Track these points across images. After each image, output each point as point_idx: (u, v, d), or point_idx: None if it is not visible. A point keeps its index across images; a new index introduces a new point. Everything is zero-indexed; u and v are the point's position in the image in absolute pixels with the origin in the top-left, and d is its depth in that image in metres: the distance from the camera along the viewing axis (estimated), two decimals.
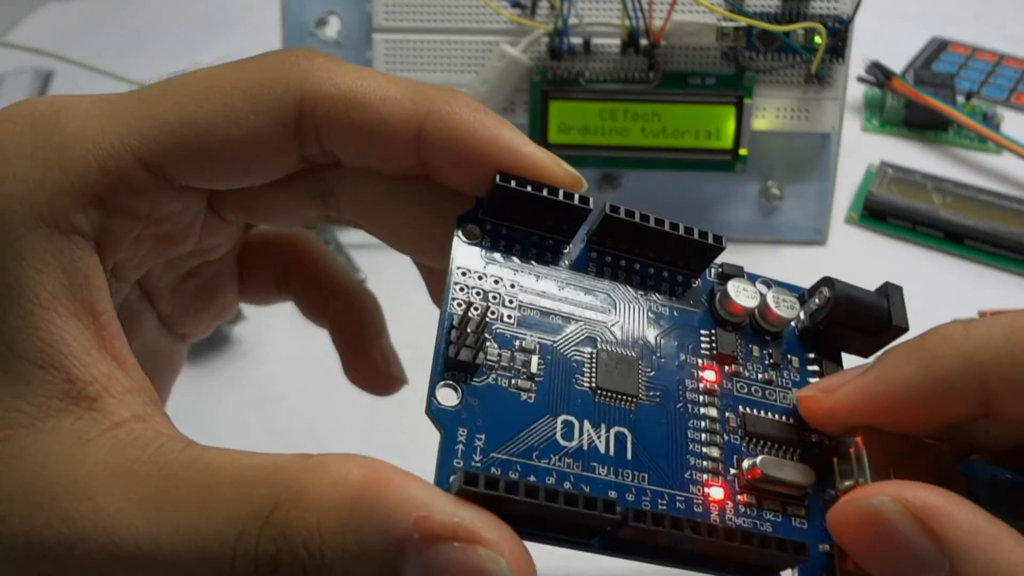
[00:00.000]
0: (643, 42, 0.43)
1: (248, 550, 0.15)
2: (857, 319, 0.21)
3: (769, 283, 0.22)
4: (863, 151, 0.54)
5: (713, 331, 0.21)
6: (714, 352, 0.21)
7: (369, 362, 0.27)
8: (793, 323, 0.22)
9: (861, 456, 0.18)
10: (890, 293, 0.21)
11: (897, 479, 0.18)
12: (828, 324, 0.21)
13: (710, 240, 0.21)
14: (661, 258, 0.21)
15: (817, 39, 0.42)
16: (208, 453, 0.17)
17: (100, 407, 0.17)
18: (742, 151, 0.45)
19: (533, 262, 0.20)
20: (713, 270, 0.22)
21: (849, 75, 0.45)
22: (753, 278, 0.22)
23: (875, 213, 0.50)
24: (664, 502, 0.18)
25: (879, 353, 0.20)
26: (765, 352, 0.21)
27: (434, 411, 0.18)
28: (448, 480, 0.17)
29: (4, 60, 0.62)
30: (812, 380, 0.21)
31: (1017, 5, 0.70)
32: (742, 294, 0.21)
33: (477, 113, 0.19)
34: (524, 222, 0.20)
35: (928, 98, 0.55)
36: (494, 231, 0.20)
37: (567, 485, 0.18)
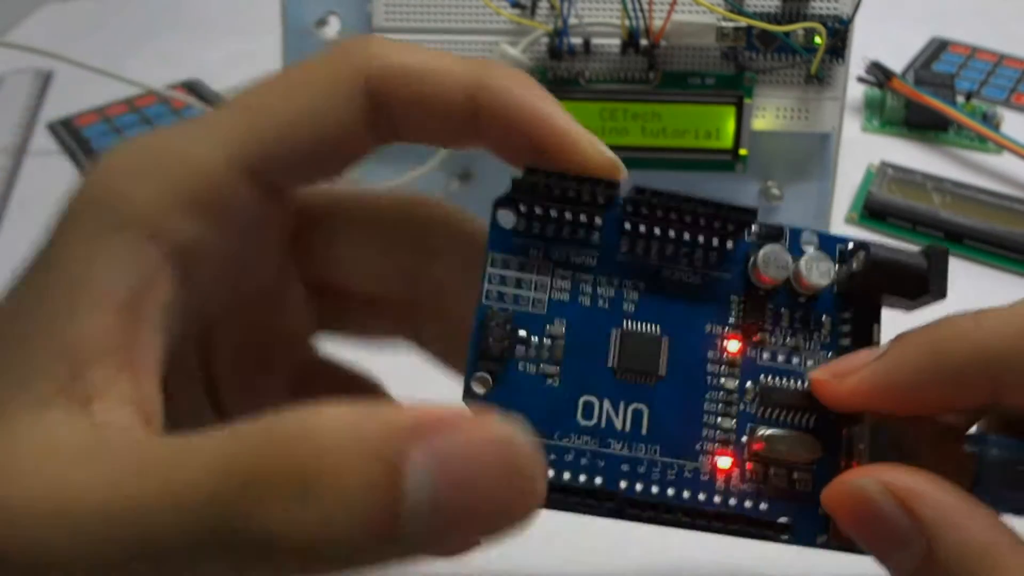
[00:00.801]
0: (643, 42, 0.43)
1: (241, 482, 0.15)
2: (894, 285, 0.21)
3: (815, 237, 0.22)
4: (863, 151, 0.54)
5: (743, 298, 0.21)
6: (740, 321, 0.21)
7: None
8: (830, 287, 0.22)
9: (864, 437, 0.19)
10: (931, 256, 0.21)
11: (895, 460, 0.19)
12: (865, 289, 0.21)
13: (732, 224, 0.21)
14: (695, 225, 0.21)
15: (817, 39, 0.42)
16: (192, 435, 0.16)
17: (91, 410, 0.17)
18: (742, 151, 0.45)
19: (566, 241, 0.21)
20: (751, 231, 0.22)
21: (849, 75, 0.45)
22: (797, 233, 0.22)
23: (875, 213, 0.50)
24: (673, 472, 0.20)
25: (892, 338, 0.20)
26: (796, 316, 0.21)
27: (467, 399, 0.20)
28: None
29: (4, 60, 0.62)
30: (843, 342, 0.21)
31: (1017, 5, 0.70)
32: (771, 264, 0.21)
33: (527, 87, 0.20)
34: (556, 201, 0.21)
35: (928, 98, 0.55)
36: (528, 212, 0.21)
37: (583, 461, 0.20)
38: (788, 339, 0.21)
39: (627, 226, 0.21)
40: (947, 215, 0.48)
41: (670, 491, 0.20)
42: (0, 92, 0.60)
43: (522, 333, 0.20)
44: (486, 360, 0.20)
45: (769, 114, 0.45)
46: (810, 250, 0.21)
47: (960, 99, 0.57)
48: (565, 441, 0.20)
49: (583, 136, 0.20)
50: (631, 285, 0.21)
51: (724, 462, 0.20)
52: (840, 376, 0.20)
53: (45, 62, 0.60)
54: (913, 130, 0.57)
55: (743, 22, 0.42)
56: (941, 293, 0.21)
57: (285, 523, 0.14)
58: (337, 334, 0.26)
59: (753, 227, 0.21)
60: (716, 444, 0.20)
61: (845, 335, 0.21)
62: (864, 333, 0.21)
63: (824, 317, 0.21)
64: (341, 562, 0.15)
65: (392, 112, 0.20)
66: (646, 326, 0.21)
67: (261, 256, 0.22)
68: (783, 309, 0.21)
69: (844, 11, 0.43)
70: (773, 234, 0.21)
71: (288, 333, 0.25)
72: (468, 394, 0.20)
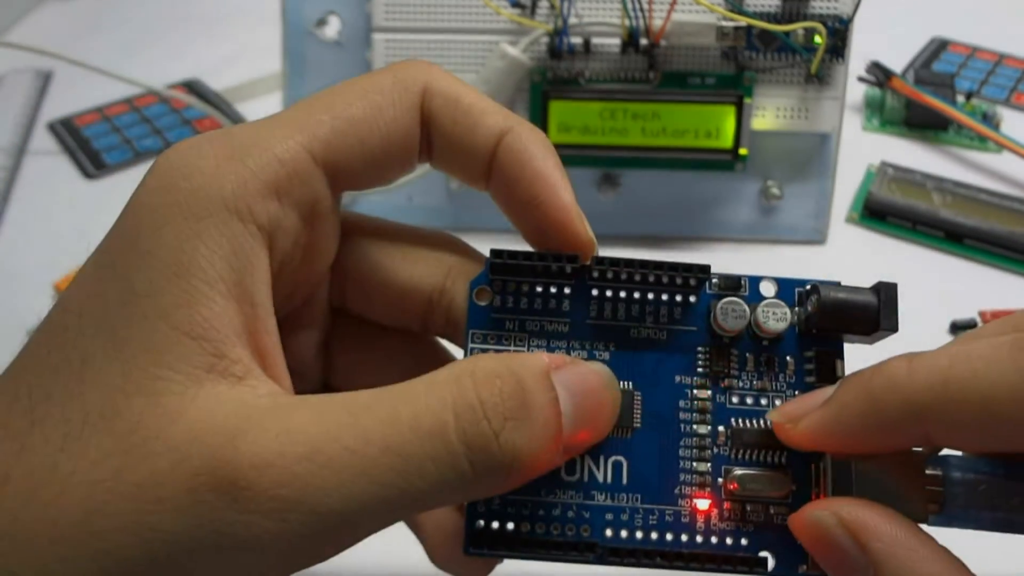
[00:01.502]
0: (643, 42, 0.43)
1: (471, 403, 0.18)
2: (847, 325, 0.22)
3: (773, 285, 0.23)
4: (863, 151, 0.54)
5: (708, 349, 0.22)
6: (708, 370, 0.22)
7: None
8: (792, 325, 0.23)
9: (826, 471, 0.21)
10: (881, 292, 0.22)
11: (858, 490, 0.20)
12: (821, 330, 0.22)
13: (691, 282, 0.22)
14: (657, 283, 0.22)
15: (817, 39, 0.42)
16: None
17: (248, 384, 0.18)
18: (742, 151, 0.45)
19: (539, 312, 0.23)
20: (711, 284, 0.23)
21: (849, 75, 0.45)
22: (756, 281, 0.23)
23: (875, 213, 0.50)
24: (655, 518, 0.21)
25: (841, 380, 0.21)
26: (761, 359, 0.22)
27: None
28: (476, 523, 0.21)
29: (4, 60, 0.62)
30: (808, 379, 0.22)
31: (1017, 5, 0.70)
32: (730, 315, 0.22)
33: (544, 145, 0.22)
34: (528, 275, 0.22)
35: (928, 98, 0.55)
36: (503, 288, 0.22)
37: (571, 514, 0.21)
38: (755, 381, 0.22)
39: (594, 292, 0.22)
40: (947, 215, 0.48)
41: (653, 535, 0.21)
42: (0, 92, 0.60)
43: None
44: None
45: (769, 114, 0.45)
46: (767, 298, 0.22)
47: (960, 99, 0.57)
48: (551, 497, 0.21)
49: (577, 212, 0.22)
50: (602, 346, 0.22)
51: (703, 503, 0.21)
52: (793, 420, 0.21)
53: (45, 62, 0.60)
54: (913, 130, 0.57)
55: (743, 22, 0.42)
56: (893, 328, 0.21)
57: (520, 438, 0.18)
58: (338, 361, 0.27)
59: (713, 280, 0.23)
60: (694, 487, 0.21)
61: (810, 372, 0.22)
62: (828, 369, 0.22)
63: (788, 357, 0.22)
64: (541, 469, 0.19)
65: (433, 134, 0.22)
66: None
67: (321, 254, 0.23)
68: (748, 353, 0.22)
69: (844, 11, 0.43)
70: (732, 284, 0.23)
71: (307, 354, 0.25)
72: None
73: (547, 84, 0.44)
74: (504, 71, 0.43)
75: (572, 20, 0.43)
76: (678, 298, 0.22)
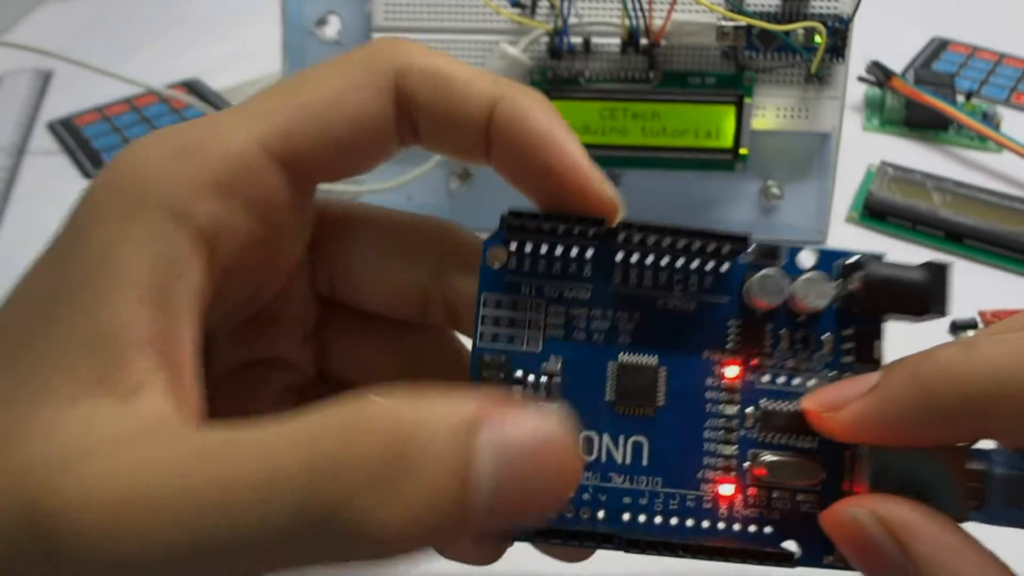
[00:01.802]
0: (643, 42, 0.43)
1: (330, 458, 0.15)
2: (893, 304, 0.20)
3: (814, 256, 0.21)
4: (863, 151, 0.54)
5: (739, 322, 0.21)
6: (738, 346, 0.21)
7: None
8: (832, 303, 0.21)
9: (861, 461, 0.20)
10: (932, 272, 0.20)
11: (897, 483, 0.19)
12: (864, 308, 0.20)
13: (725, 250, 0.20)
14: (687, 250, 0.21)
15: (817, 39, 0.42)
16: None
17: (135, 402, 0.17)
18: (742, 150, 0.45)
19: (558, 277, 0.21)
20: (746, 252, 0.21)
21: (849, 75, 0.45)
22: (794, 252, 0.21)
23: (875, 212, 0.50)
24: (675, 503, 0.20)
25: (885, 366, 0.19)
26: (796, 336, 0.21)
27: None
28: None
29: (4, 60, 0.62)
30: (846, 359, 0.21)
31: (1017, 5, 0.70)
32: (765, 290, 0.20)
33: (544, 109, 0.20)
34: (547, 236, 0.21)
35: (928, 97, 0.55)
36: (519, 250, 0.21)
37: (586, 496, 0.20)
38: (788, 360, 0.21)
39: (618, 257, 0.21)
40: (947, 215, 0.48)
41: (673, 520, 0.20)
42: (0, 92, 0.60)
43: (518, 373, 0.20)
44: None
45: (769, 114, 0.45)
46: (807, 272, 0.21)
47: (960, 98, 0.57)
48: None
49: (594, 172, 0.20)
50: (626, 317, 0.21)
51: (726, 489, 0.20)
52: (831, 408, 0.19)
53: (45, 62, 0.60)
54: (913, 129, 0.57)
55: (743, 21, 0.42)
56: (942, 312, 0.20)
57: (380, 508, 0.14)
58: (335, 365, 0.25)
59: (748, 249, 0.21)
60: (718, 471, 0.20)
61: (847, 352, 0.21)
62: (866, 350, 0.21)
63: (825, 335, 0.21)
64: (415, 545, 0.15)
65: (417, 113, 0.20)
66: (642, 357, 0.21)
67: (282, 252, 0.22)
68: (782, 330, 0.21)
69: (844, 10, 0.43)
70: (768, 253, 0.21)
71: (289, 346, 0.24)
72: None
73: (547, 84, 0.44)
74: (504, 71, 0.43)
75: (572, 20, 0.43)
76: (709, 267, 0.21)
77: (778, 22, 0.42)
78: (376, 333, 0.25)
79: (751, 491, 0.20)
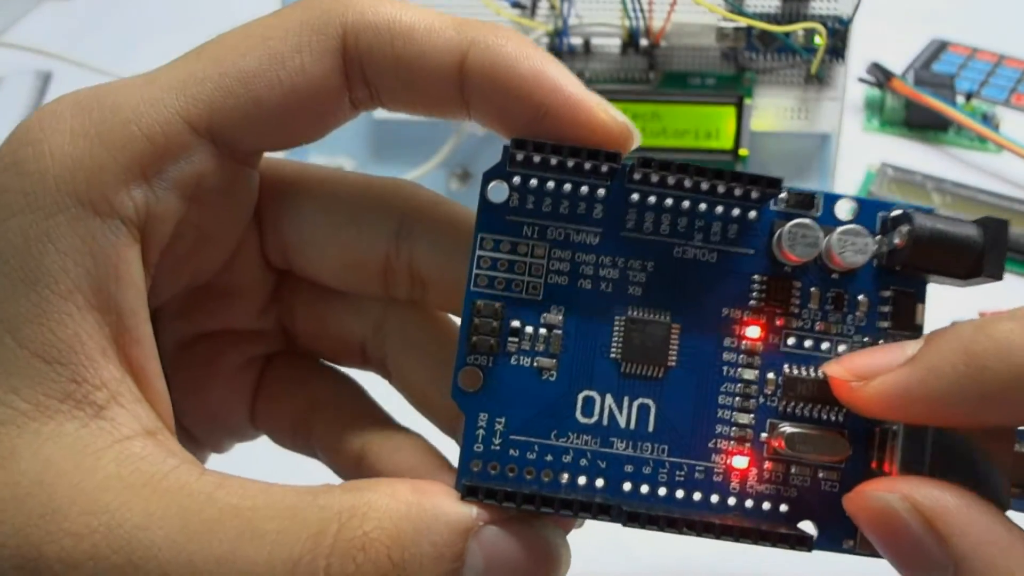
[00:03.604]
0: (643, 42, 0.43)
1: (313, 573, 0.15)
2: (941, 263, 0.18)
3: (853, 205, 0.19)
4: (863, 151, 0.54)
5: (765, 277, 0.19)
6: (762, 303, 0.19)
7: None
8: (871, 260, 0.19)
9: (894, 438, 0.17)
10: (988, 229, 0.18)
11: (934, 464, 0.17)
12: (907, 266, 0.18)
13: (754, 195, 0.18)
14: (712, 193, 0.18)
15: (817, 39, 0.42)
16: (232, 479, 0.16)
17: (108, 416, 0.16)
18: (742, 151, 0.45)
19: (564, 217, 0.19)
20: (778, 201, 0.19)
21: (849, 75, 0.45)
22: (832, 199, 0.19)
23: None
24: (682, 473, 0.18)
25: (924, 338, 0.17)
26: (827, 295, 0.19)
27: (456, 396, 0.18)
28: (469, 467, 0.18)
29: (4, 60, 0.62)
30: (882, 324, 0.19)
31: (1017, 5, 0.70)
32: (798, 243, 0.18)
33: (522, 46, 0.18)
34: (554, 171, 0.18)
35: (928, 98, 0.55)
36: (522, 185, 0.19)
37: (583, 462, 0.18)
38: (817, 322, 0.19)
39: (634, 197, 0.19)
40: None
41: (679, 493, 0.18)
42: (0, 92, 0.60)
43: (515, 323, 0.18)
44: (475, 354, 0.18)
45: (769, 114, 0.45)
46: (845, 223, 0.19)
47: (960, 99, 0.57)
48: (563, 441, 0.18)
49: (592, 98, 0.18)
50: (638, 266, 0.19)
51: (740, 461, 0.18)
52: (861, 377, 0.17)
53: (45, 62, 0.60)
54: (913, 130, 0.57)
55: (743, 22, 0.42)
56: (997, 274, 0.18)
57: None
58: (297, 341, 0.24)
59: (781, 194, 0.19)
60: (731, 442, 0.18)
61: (884, 316, 0.19)
62: (907, 315, 0.19)
63: (861, 296, 0.19)
64: None
65: (372, 73, 0.18)
66: (655, 312, 0.19)
67: (222, 228, 0.20)
68: (813, 288, 0.19)
69: (844, 11, 0.43)
70: (803, 202, 0.19)
71: (242, 321, 0.23)
72: (456, 392, 0.18)
73: None
74: None
75: (572, 20, 0.43)
76: (735, 212, 0.19)
77: (778, 23, 0.42)
78: (341, 300, 0.23)
79: (767, 465, 0.18)
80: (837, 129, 0.46)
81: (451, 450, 0.20)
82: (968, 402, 0.16)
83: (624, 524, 0.17)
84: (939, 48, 0.65)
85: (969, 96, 0.58)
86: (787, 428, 0.18)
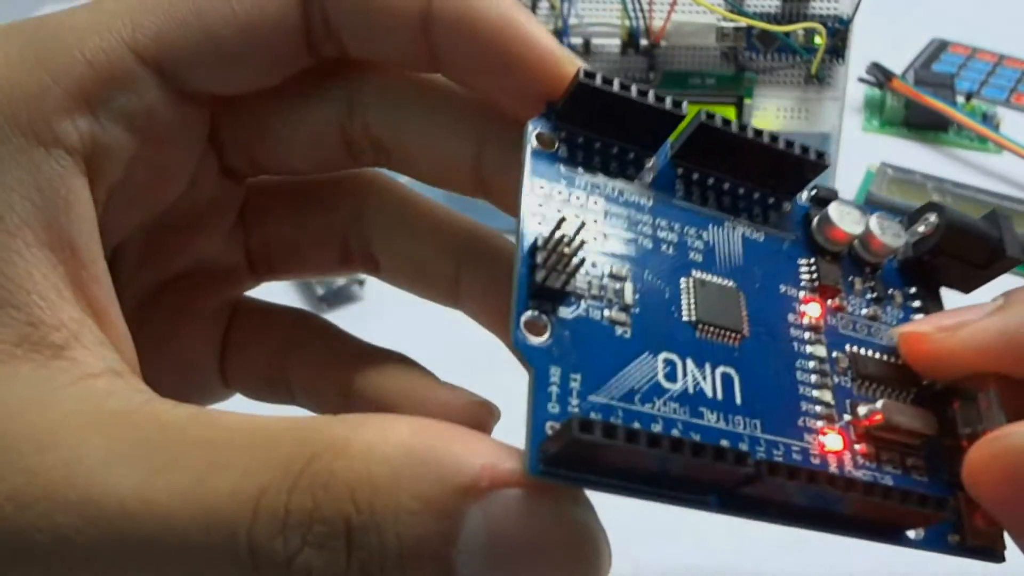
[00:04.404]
0: (643, 42, 0.43)
1: (275, 508, 0.13)
2: (967, 249, 0.19)
3: (865, 209, 0.19)
4: (863, 151, 0.54)
5: (812, 260, 0.19)
6: (815, 284, 0.18)
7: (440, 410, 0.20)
8: (894, 254, 0.19)
9: (993, 402, 0.16)
10: (1000, 221, 0.19)
11: None
12: (935, 255, 0.19)
13: (812, 156, 0.18)
14: (751, 176, 0.19)
15: (817, 39, 0.42)
16: (210, 411, 0.14)
17: (68, 356, 0.14)
18: None
19: (615, 177, 0.18)
20: (806, 193, 0.19)
21: (849, 75, 0.45)
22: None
23: None
24: (779, 452, 0.16)
25: (1001, 295, 0.17)
26: (867, 285, 0.19)
27: (522, 347, 0.15)
28: (545, 428, 0.14)
29: None
30: (916, 318, 0.19)
31: (1017, 5, 0.70)
32: (846, 218, 0.18)
33: None
34: (602, 130, 0.18)
35: (928, 98, 0.55)
36: (569, 139, 0.17)
37: (675, 432, 0.15)
38: (863, 308, 0.19)
39: (680, 170, 0.18)
40: None
41: None
42: None
43: (581, 270, 0.16)
44: (539, 298, 0.15)
45: (769, 114, 0.45)
46: (874, 214, 0.19)
47: (960, 99, 0.57)
48: (648, 407, 0.15)
49: (560, 51, 0.17)
50: (694, 233, 0.18)
51: (834, 442, 0.17)
52: (946, 329, 0.16)
53: None
54: (913, 130, 0.57)
55: (743, 22, 0.42)
56: (1017, 258, 0.19)
57: (319, 561, 0.13)
58: (273, 270, 0.22)
59: (805, 190, 0.19)
60: (819, 421, 0.17)
61: (917, 311, 0.19)
62: (935, 307, 0.19)
63: (891, 289, 0.19)
64: None
65: (332, 18, 0.17)
66: (720, 277, 0.17)
67: (176, 165, 0.19)
68: (852, 276, 0.19)
69: (844, 11, 0.43)
70: (829, 197, 0.19)
71: (209, 250, 0.21)
72: (520, 341, 0.15)
73: None
74: None
75: (572, 20, 0.43)
76: (770, 200, 0.19)
77: (778, 23, 0.42)
78: (314, 198, 0.22)
79: (860, 448, 0.17)
80: (837, 129, 0.46)
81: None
82: None
83: (767, 476, 0.14)
84: (939, 48, 0.65)
85: (969, 96, 0.58)
86: (880, 401, 0.17)
